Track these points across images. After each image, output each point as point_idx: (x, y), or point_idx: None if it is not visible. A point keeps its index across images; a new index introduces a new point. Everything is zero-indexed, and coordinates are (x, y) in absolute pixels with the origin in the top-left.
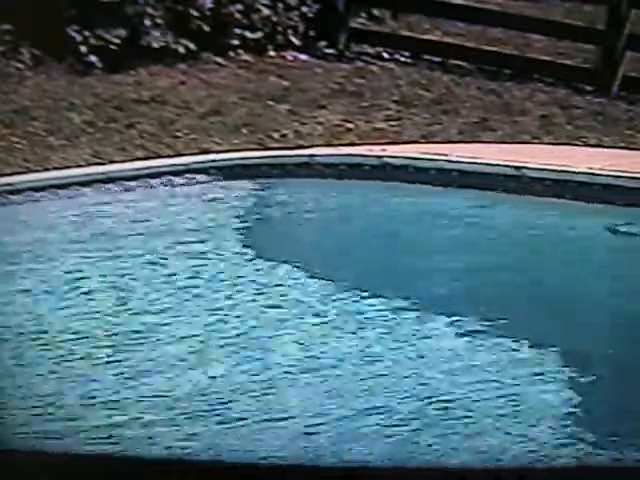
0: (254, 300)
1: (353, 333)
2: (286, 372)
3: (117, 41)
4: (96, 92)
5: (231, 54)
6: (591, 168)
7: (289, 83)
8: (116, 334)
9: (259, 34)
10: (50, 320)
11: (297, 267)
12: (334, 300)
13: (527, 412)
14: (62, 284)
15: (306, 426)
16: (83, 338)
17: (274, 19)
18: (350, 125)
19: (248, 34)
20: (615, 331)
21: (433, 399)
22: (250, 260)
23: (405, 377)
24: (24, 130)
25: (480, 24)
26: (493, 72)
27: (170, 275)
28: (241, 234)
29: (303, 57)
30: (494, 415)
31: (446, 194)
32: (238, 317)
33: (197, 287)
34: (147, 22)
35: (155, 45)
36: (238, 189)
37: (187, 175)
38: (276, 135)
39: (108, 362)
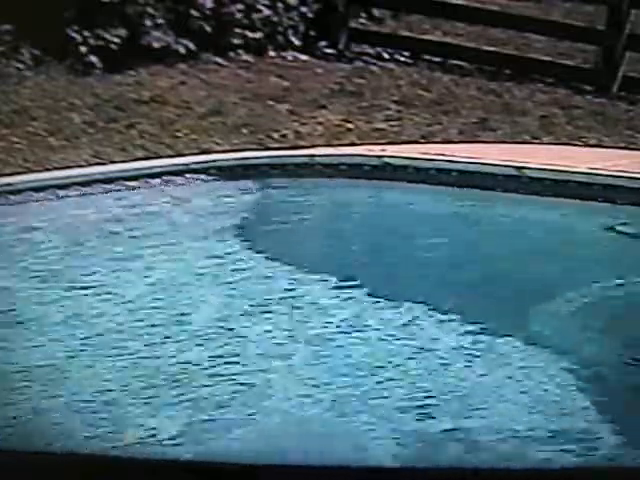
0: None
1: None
2: None
3: (117, 41)
4: (96, 92)
5: (231, 54)
6: (591, 168)
7: (289, 83)
8: None
9: (259, 34)
10: None
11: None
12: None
13: None
14: None
15: None
16: None
17: (274, 19)
18: (350, 125)
19: (248, 34)
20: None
21: None
22: (252, 258)
23: None
24: (24, 130)
25: (480, 24)
26: (493, 72)
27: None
28: (242, 233)
29: (303, 57)
30: None
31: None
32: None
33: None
34: (147, 22)
35: (155, 45)
36: (238, 189)
37: (187, 175)
38: (276, 135)
39: None
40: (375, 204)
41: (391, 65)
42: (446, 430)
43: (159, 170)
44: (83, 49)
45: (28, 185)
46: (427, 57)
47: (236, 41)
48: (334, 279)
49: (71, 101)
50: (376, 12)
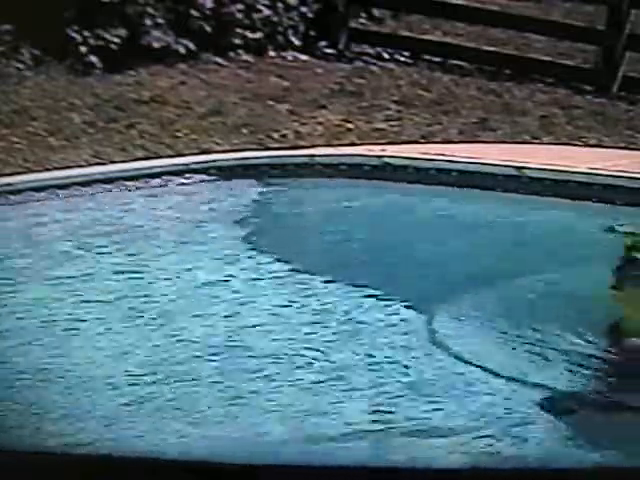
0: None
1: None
2: None
3: (117, 41)
4: (96, 92)
5: (231, 54)
6: (591, 168)
7: (289, 83)
8: None
9: (259, 34)
10: None
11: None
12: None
13: None
14: None
15: None
16: None
17: (274, 19)
18: (350, 125)
19: (248, 34)
20: None
21: None
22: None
23: None
24: (24, 130)
25: (480, 24)
26: (493, 72)
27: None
28: (241, 233)
29: (303, 57)
30: None
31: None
32: None
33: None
34: (147, 22)
35: (155, 45)
36: (238, 189)
37: (187, 175)
38: (276, 135)
39: None
40: (375, 204)
41: (391, 65)
42: None
43: (159, 170)
44: (83, 49)
45: (28, 185)
46: (427, 57)
47: (236, 41)
48: (333, 278)
49: (71, 101)
50: (376, 12)
